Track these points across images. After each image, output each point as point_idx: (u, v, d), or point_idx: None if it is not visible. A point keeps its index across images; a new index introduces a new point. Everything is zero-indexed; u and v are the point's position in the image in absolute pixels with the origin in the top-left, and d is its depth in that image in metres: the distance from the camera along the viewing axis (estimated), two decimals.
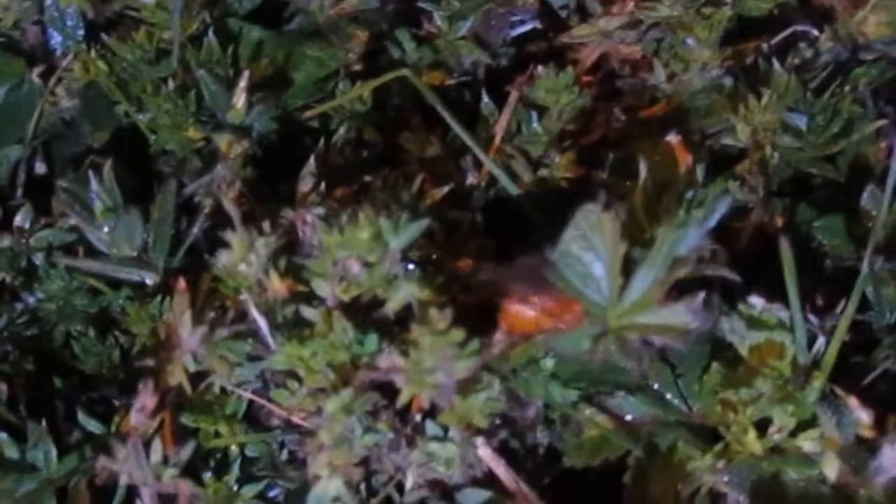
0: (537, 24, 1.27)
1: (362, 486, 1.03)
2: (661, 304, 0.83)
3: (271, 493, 1.09)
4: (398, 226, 0.86)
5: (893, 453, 0.86)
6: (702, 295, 0.85)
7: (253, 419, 1.09)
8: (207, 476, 1.05)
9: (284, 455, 1.09)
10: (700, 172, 1.12)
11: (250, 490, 1.06)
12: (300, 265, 0.93)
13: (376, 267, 0.88)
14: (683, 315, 0.83)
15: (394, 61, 1.26)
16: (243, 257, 0.94)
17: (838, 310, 1.02)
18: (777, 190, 1.18)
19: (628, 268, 0.85)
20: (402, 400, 0.88)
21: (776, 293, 1.00)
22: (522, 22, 1.28)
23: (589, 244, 0.84)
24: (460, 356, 0.84)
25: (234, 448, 1.06)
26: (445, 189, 1.06)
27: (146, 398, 0.90)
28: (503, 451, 1.02)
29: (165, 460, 0.93)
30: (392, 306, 0.92)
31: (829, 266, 1.14)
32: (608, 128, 1.18)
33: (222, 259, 0.94)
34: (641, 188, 0.90)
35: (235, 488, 1.06)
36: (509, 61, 1.27)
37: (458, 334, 0.81)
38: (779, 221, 1.11)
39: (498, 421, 1.02)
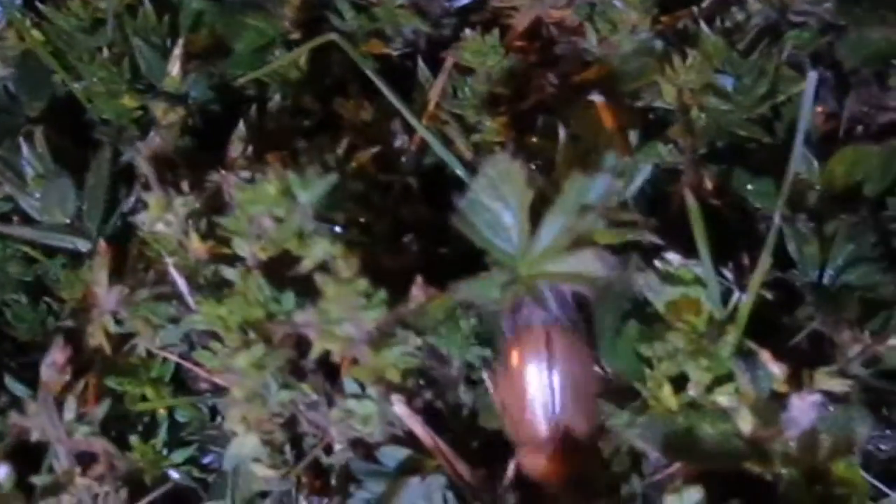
0: None
1: (288, 450, 1.02)
2: (570, 253, 0.83)
3: (205, 460, 1.08)
4: (306, 180, 0.86)
5: (803, 405, 0.86)
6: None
7: (181, 384, 1.08)
8: (134, 439, 1.04)
9: (218, 421, 1.08)
10: (633, 137, 1.12)
11: (180, 455, 1.06)
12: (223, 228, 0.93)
13: (286, 222, 0.87)
14: (592, 263, 0.83)
15: (334, 30, 1.25)
16: (160, 217, 0.94)
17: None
18: (714, 155, 1.18)
19: (538, 218, 0.84)
20: (313, 354, 0.88)
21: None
22: None
23: (498, 193, 0.84)
24: (368, 306, 0.83)
25: (161, 412, 1.05)
26: (372, 151, 1.05)
27: (57, 354, 0.90)
28: (428, 411, 1.02)
29: (80, 418, 0.92)
30: (307, 264, 0.92)
31: (763, 230, 1.14)
32: (542, 93, 1.17)
33: (140, 218, 0.94)
34: (562, 149, 0.90)
35: (165, 452, 1.05)
36: (452, 31, 1.27)
37: (363, 283, 0.81)
38: (709, 184, 1.10)
39: (422, 382, 1.01)
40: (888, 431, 1.03)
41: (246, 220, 0.90)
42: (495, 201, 0.85)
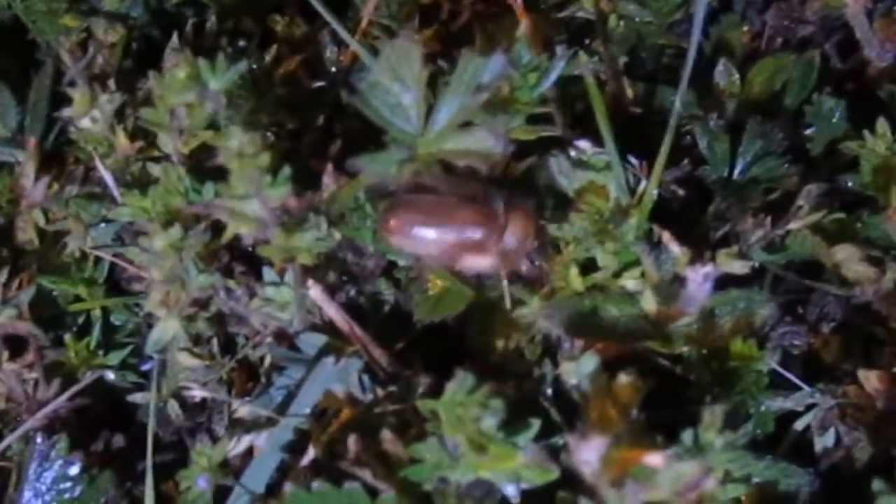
0: None
1: (216, 346, 1.05)
2: (465, 131, 0.86)
3: (144, 367, 1.11)
4: (215, 66, 0.89)
5: (698, 278, 0.88)
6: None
7: (116, 286, 1.11)
8: (68, 338, 1.07)
9: None
10: (559, 48, 1.15)
11: (115, 357, 1.09)
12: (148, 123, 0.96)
13: (197, 108, 0.90)
14: (486, 140, 0.86)
15: None
16: (86, 111, 0.97)
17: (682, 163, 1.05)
18: (638, 69, 1.21)
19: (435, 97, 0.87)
20: (226, 237, 0.91)
21: (625, 151, 1.03)
22: None
23: (397, 75, 0.87)
24: (273, 184, 0.87)
25: (96, 312, 1.08)
26: (299, 58, 1.08)
27: None
28: (350, 307, 1.05)
29: (6, 302, 0.95)
30: (224, 154, 0.94)
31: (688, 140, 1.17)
32: (473, 11, 1.20)
33: (65, 113, 0.97)
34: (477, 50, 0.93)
35: (101, 353, 1.08)
36: None
37: (265, 158, 0.84)
38: (630, 93, 1.13)
39: (344, 278, 1.05)
40: (802, 328, 1.06)
41: (165, 112, 0.93)
42: (394, 82, 0.88)
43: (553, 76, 1.01)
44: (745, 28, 1.23)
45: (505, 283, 0.96)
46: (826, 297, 1.05)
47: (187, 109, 0.90)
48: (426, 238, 0.89)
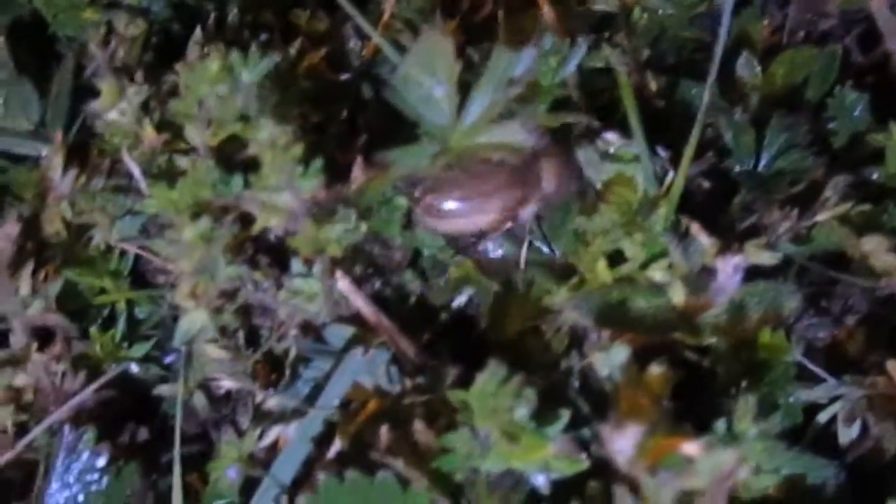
0: None
1: (241, 338, 1.06)
2: (497, 124, 0.86)
3: (167, 360, 1.12)
4: (247, 59, 0.89)
5: (728, 268, 0.89)
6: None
7: (141, 279, 1.12)
8: (93, 330, 1.07)
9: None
10: (581, 40, 1.15)
11: (139, 349, 1.09)
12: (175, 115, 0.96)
13: (228, 100, 0.90)
14: (518, 133, 0.86)
15: None
16: (114, 103, 0.97)
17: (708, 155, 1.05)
18: (660, 64, 1.21)
19: (467, 91, 0.88)
20: (256, 227, 0.91)
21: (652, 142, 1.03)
22: None
23: (429, 68, 0.87)
24: (305, 175, 0.87)
25: (120, 305, 1.08)
26: (323, 51, 1.08)
27: (10, 226, 0.93)
28: (377, 298, 1.05)
29: (35, 293, 0.95)
30: (254, 146, 0.95)
31: (708, 132, 1.17)
32: (496, 4, 1.20)
33: (93, 106, 0.97)
34: (500, 41, 0.93)
35: (124, 346, 1.08)
36: None
37: (299, 149, 0.84)
38: (653, 86, 1.13)
39: (370, 270, 1.05)
40: (826, 320, 1.06)
41: (194, 103, 0.93)
42: (426, 76, 0.88)
43: (575, 61, 1.01)
44: (766, 22, 1.22)
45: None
46: (851, 290, 1.05)
47: (217, 101, 0.89)
48: (467, 211, 0.89)
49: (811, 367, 1.03)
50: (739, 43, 1.24)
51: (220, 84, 0.90)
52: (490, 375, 0.81)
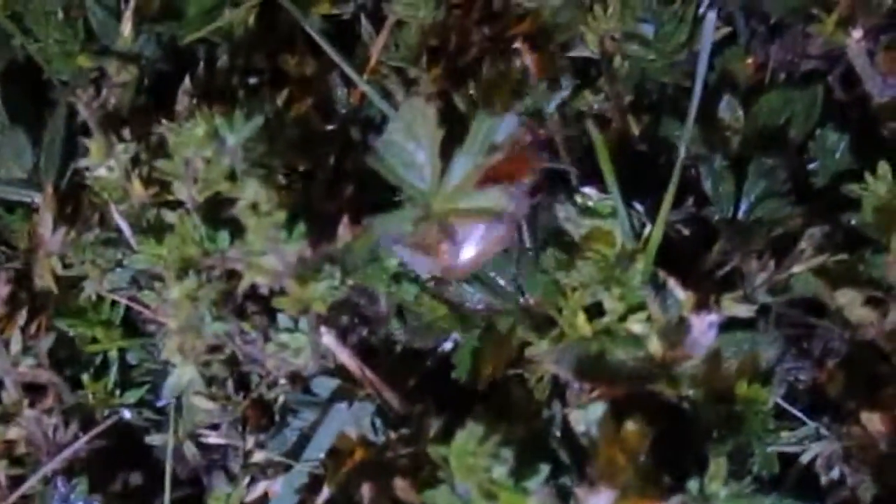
0: None
1: (232, 387, 1.08)
2: (479, 189, 0.88)
3: (159, 403, 1.14)
4: (233, 122, 0.91)
5: (702, 325, 0.90)
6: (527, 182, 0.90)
7: (132, 327, 1.14)
8: (86, 378, 1.09)
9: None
10: (565, 85, 1.17)
11: (132, 395, 1.11)
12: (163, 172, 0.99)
13: (214, 163, 0.92)
14: (500, 199, 0.88)
15: None
16: (102, 161, 0.99)
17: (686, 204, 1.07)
18: (644, 103, 1.22)
19: (449, 156, 0.89)
20: (242, 286, 0.93)
21: (634, 191, 1.05)
22: None
23: (412, 133, 0.89)
24: (288, 239, 0.89)
25: (112, 353, 1.10)
26: (310, 101, 1.10)
27: (2, 288, 0.95)
28: (363, 347, 1.07)
29: (26, 350, 0.97)
30: (242, 204, 0.97)
31: (691, 173, 1.19)
32: (480, 47, 1.22)
33: (82, 163, 0.99)
34: (481, 87, 0.95)
35: (116, 392, 1.11)
36: None
37: (282, 215, 0.86)
38: (636, 130, 1.15)
39: (356, 320, 1.07)
40: (807, 362, 1.08)
41: (181, 163, 0.95)
42: (409, 141, 0.90)
43: (554, 104, 1.02)
44: (750, 60, 1.24)
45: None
46: (831, 332, 1.06)
47: (203, 162, 0.91)
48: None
49: (792, 410, 1.04)
50: (723, 80, 1.25)
51: (206, 148, 0.91)
52: (468, 434, 0.83)
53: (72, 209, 1.15)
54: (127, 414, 1.10)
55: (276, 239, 0.88)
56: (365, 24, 1.23)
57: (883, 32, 1.22)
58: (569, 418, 0.90)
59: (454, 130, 1.03)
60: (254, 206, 0.91)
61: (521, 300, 1.01)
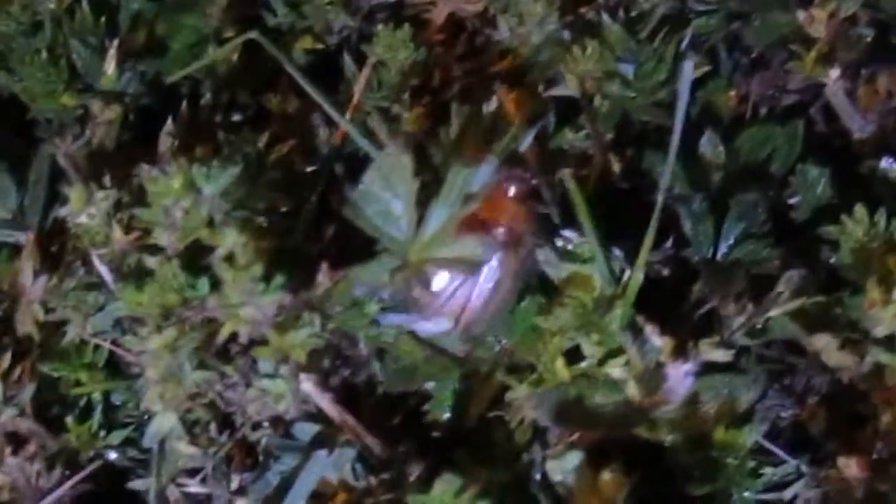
0: None
1: (215, 428, 1.08)
2: (455, 239, 0.89)
3: (145, 443, 1.14)
4: (209, 173, 0.92)
5: (678, 374, 0.91)
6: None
7: (116, 367, 1.14)
8: (70, 421, 1.10)
9: None
10: (548, 124, 1.18)
11: (117, 436, 1.12)
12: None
13: (192, 213, 0.93)
14: (475, 248, 0.89)
15: (267, 28, 1.31)
16: (82, 209, 0.99)
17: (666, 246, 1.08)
18: (627, 139, 1.23)
19: (426, 206, 0.90)
20: (222, 335, 0.94)
21: (614, 232, 1.05)
22: None
23: (388, 183, 0.90)
24: (266, 291, 0.89)
25: (96, 396, 1.11)
26: (291, 143, 1.11)
27: None
28: (346, 388, 1.08)
29: (8, 400, 0.98)
30: (221, 252, 0.97)
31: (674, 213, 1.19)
32: (463, 84, 1.23)
33: (62, 212, 1.00)
34: (454, 131, 0.95)
35: (101, 434, 1.11)
36: (385, 24, 1.31)
37: (258, 269, 0.87)
38: (616, 168, 1.15)
39: (337, 362, 1.07)
40: (789, 399, 1.08)
41: (159, 212, 0.96)
42: (385, 191, 0.90)
43: (529, 138, 1.03)
44: (733, 92, 1.24)
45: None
46: (812, 369, 1.07)
47: (182, 212, 0.92)
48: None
49: (773, 448, 1.05)
50: (706, 113, 1.26)
51: (184, 197, 0.92)
52: (445, 485, 0.84)
53: (57, 248, 1.15)
54: (112, 455, 1.10)
55: (254, 292, 0.88)
56: (348, 62, 1.24)
57: (864, 67, 1.23)
58: (546, 468, 0.90)
59: (434, 175, 1.03)
60: (231, 258, 0.91)
61: (501, 344, 1.01)
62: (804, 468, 1.04)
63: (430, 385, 1.08)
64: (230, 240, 0.95)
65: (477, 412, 0.99)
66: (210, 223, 0.98)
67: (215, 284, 0.99)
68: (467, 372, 1.01)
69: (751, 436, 1.01)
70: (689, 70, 0.94)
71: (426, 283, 0.89)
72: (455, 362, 1.00)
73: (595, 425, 0.96)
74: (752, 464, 1.02)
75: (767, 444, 1.06)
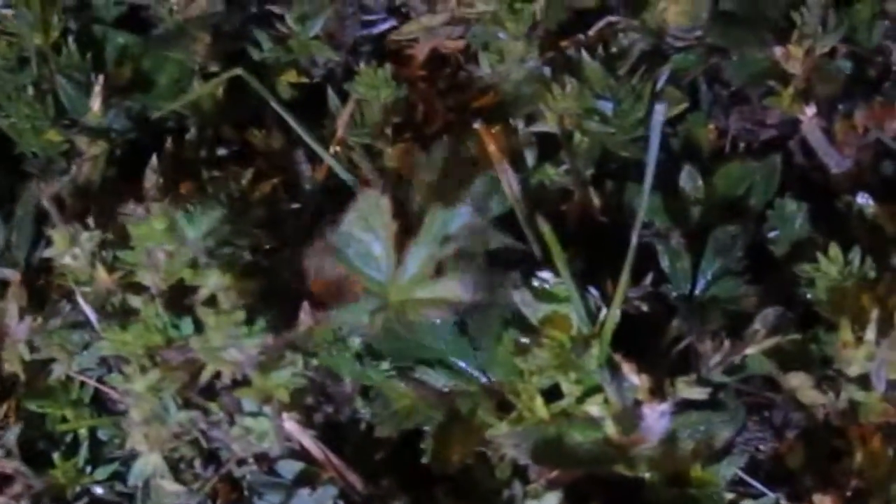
0: (393, 23, 1.33)
1: (200, 464, 1.10)
2: (434, 280, 0.90)
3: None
4: (192, 217, 0.93)
5: (654, 414, 0.93)
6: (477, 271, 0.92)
7: (102, 403, 1.16)
8: (56, 457, 1.11)
9: None
10: (529, 159, 1.19)
11: (103, 472, 1.13)
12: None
13: (175, 256, 0.94)
14: (455, 289, 0.90)
15: (252, 63, 1.32)
16: (66, 250, 1.01)
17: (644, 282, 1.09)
18: (608, 174, 1.24)
19: (405, 247, 0.91)
20: (204, 376, 0.95)
21: (596, 267, 1.07)
22: (384, 20, 1.34)
23: (368, 225, 0.91)
24: (248, 334, 0.91)
25: (82, 432, 1.12)
26: (274, 181, 1.12)
27: None
28: (329, 425, 1.09)
29: None
30: (204, 293, 0.99)
31: (653, 245, 1.20)
32: (444, 120, 1.24)
33: (46, 253, 1.01)
34: (429, 172, 0.97)
35: (87, 470, 1.12)
36: (367, 59, 1.33)
37: (241, 314, 0.88)
38: (597, 203, 1.17)
39: (321, 398, 1.09)
40: (768, 433, 1.10)
41: (142, 254, 0.97)
42: (365, 233, 0.92)
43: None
44: (712, 125, 1.26)
45: None
46: (789, 405, 1.08)
47: (165, 254, 0.93)
48: None
49: (752, 482, 1.06)
50: (686, 147, 1.27)
51: (167, 241, 0.93)
52: None
53: (43, 284, 1.16)
54: (98, 490, 1.12)
55: (237, 335, 0.89)
56: (331, 96, 1.25)
57: (841, 101, 1.24)
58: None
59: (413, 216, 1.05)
60: (213, 300, 0.93)
61: (483, 382, 1.02)
62: (783, 501, 1.04)
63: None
64: (213, 281, 0.96)
65: (462, 455, 0.99)
66: (194, 264, 0.99)
67: (199, 324, 1.00)
68: (450, 412, 1.01)
69: (729, 469, 1.01)
70: (662, 111, 0.96)
71: None
72: (440, 402, 1.01)
73: (574, 464, 0.97)
74: (730, 496, 1.03)
75: (746, 478, 1.07)
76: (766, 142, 1.26)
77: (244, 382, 0.97)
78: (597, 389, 0.99)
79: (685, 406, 0.99)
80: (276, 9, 1.28)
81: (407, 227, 0.94)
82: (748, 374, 1.03)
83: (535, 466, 1.01)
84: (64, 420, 1.11)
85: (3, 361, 1.06)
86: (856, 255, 1.02)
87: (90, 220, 1.04)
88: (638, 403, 0.97)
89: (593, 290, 1.00)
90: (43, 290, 1.16)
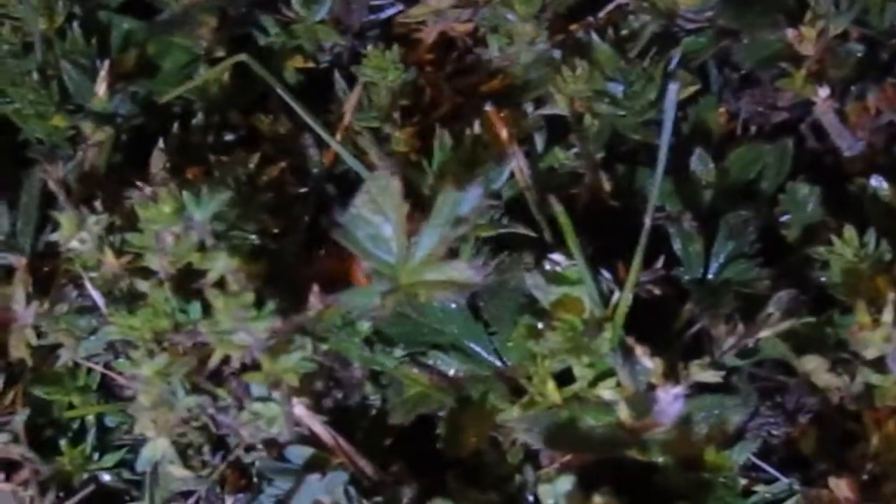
0: (401, 7, 1.32)
1: (209, 450, 1.09)
2: (445, 262, 0.89)
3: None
4: (199, 199, 0.92)
5: (668, 398, 0.91)
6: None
7: (109, 390, 1.15)
8: (63, 444, 1.10)
9: None
10: (539, 142, 1.18)
11: (110, 459, 1.12)
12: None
13: (183, 238, 0.93)
14: (466, 271, 0.89)
15: (258, 47, 1.31)
16: (74, 234, 0.99)
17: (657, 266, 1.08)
18: (618, 157, 1.23)
19: (416, 229, 0.90)
20: (213, 360, 0.94)
21: (607, 251, 1.06)
22: (391, 4, 1.33)
23: (378, 207, 0.90)
24: (258, 317, 0.90)
25: (90, 418, 1.11)
26: (281, 165, 1.11)
27: None
28: (339, 410, 1.08)
29: (1, 427, 0.98)
30: (212, 276, 0.98)
31: (664, 227, 1.19)
32: (452, 103, 1.23)
33: (53, 237, 1.00)
34: (441, 155, 0.96)
35: (95, 457, 1.11)
36: (374, 43, 1.32)
37: (250, 296, 0.87)
38: (607, 186, 1.16)
39: (331, 384, 1.08)
40: (780, 417, 1.09)
41: (151, 237, 0.96)
42: (375, 215, 0.91)
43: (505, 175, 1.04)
44: (723, 108, 1.25)
45: None
46: (803, 388, 1.07)
47: (173, 237, 0.92)
48: None
49: (765, 466, 1.05)
50: (696, 131, 1.26)
51: (174, 225, 0.92)
52: None
53: (49, 270, 1.15)
54: (106, 477, 1.11)
55: (246, 318, 0.88)
56: (338, 80, 1.24)
57: (854, 84, 1.23)
58: (538, 491, 0.90)
59: (423, 197, 1.04)
60: (222, 283, 0.92)
61: (497, 366, 1.01)
62: (796, 486, 1.03)
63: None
64: (221, 264, 0.95)
65: (476, 441, 0.98)
66: (201, 247, 0.98)
67: (207, 308, 0.99)
68: (463, 397, 1.00)
69: (742, 454, 1.00)
70: (675, 91, 0.94)
71: None
72: (452, 387, 1.00)
73: (586, 448, 0.96)
74: (744, 482, 1.02)
75: (759, 463, 1.06)
76: (777, 125, 1.24)
77: (253, 367, 0.96)
78: (609, 373, 0.98)
79: (699, 390, 0.98)
80: None
81: (417, 209, 0.93)
82: (761, 358, 1.01)
83: (547, 451, 1.00)
84: (71, 406, 1.10)
85: (9, 347, 1.04)
86: (871, 237, 1.00)
87: (97, 204, 1.02)
88: (651, 387, 0.95)
89: (605, 273, 0.98)
90: (49, 275, 1.15)
